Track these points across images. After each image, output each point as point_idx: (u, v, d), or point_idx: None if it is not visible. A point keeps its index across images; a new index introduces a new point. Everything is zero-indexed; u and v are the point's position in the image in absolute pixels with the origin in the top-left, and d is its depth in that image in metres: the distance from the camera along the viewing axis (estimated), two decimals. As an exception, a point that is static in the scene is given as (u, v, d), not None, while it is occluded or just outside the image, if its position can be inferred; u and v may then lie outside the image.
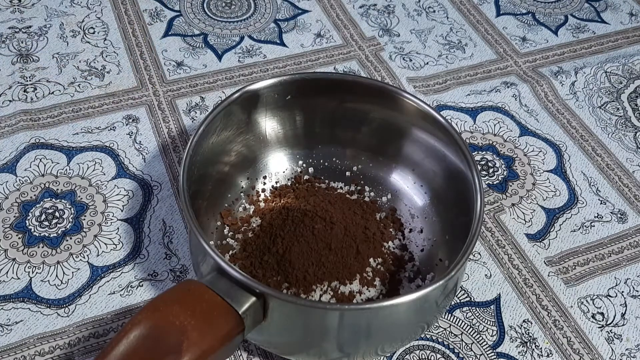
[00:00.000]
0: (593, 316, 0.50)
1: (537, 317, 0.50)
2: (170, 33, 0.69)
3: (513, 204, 0.57)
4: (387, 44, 0.71)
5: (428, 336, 0.48)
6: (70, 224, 0.53)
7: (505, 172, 0.60)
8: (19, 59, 0.65)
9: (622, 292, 0.52)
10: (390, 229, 0.51)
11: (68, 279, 0.49)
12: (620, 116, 0.65)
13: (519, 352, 0.48)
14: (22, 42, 0.67)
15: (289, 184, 0.54)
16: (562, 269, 0.53)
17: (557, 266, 0.53)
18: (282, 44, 0.70)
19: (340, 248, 0.47)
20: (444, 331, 0.49)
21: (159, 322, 0.36)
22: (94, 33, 0.68)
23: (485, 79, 0.68)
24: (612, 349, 0.49)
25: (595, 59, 0.71)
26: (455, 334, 0.49)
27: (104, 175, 0.56)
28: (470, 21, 0.74)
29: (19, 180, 0.55)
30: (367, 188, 0.54)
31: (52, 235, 0.52)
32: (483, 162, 0.60)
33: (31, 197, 0.54)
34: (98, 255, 0.51)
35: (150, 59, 0.66)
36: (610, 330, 0.50)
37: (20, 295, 0.48)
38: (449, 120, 0.53)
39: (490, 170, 0.60)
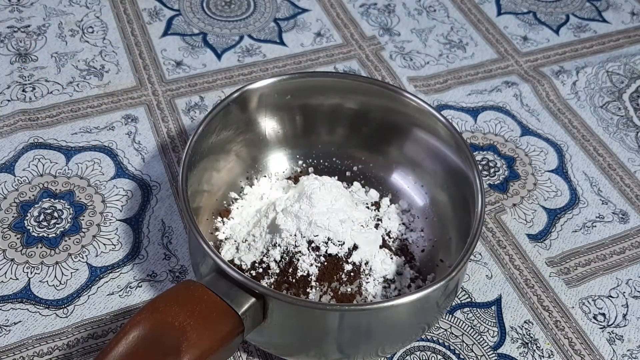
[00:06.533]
0: (594, 317, 0.50)
1: (539, 318, 0.50)
2: (169, 32, 0.69)
3: (514, 204, 0.57)
4: (387, 44, 0.70)
5: (429, 337, 0.48)
6: (69, 224, 0.52)
7: (506, 172, 0.59)
8: (17, 59, 0.65)
9: (624, 292, 0.52)
10: (391, 229, 0.51)
11: (67, 280, 0.49)
12: (622, 116, 0.65)
13: (520, 353, 0.48)
14: (20, 42, 0.66)
15: (289, 184, 0.54)
16: (564, 269, 0.53)
17: (559, 267, 0.53)
18: (282, 43, 0.69)
19: (341, 248, 0.47)
20: (445, 332, 0.48)
21: (158, 323, 0.36)
22: (92, 32, 0.68)
23: (486, 79, 0.68)
24: (614, 350, 0.48)
25: (597, 59, 0.70)
26: (456, 335, 0.48)
27: (103, 175, 0.56)
28: (471, 20, 0.74)
29: (18, 180, 0.55)
30: (367, 188, 0.54)
31: (50, 236, 0.52)
32: (484, 162, 0.60)
33: (30, 197, 0.54)
34: (97, 256, 0.51)
35: (150, 58, 0.66)
36: (612, 331, 0.49)
37: (19, 296, 0.48)
38: (450, 120, 0.53)
39: (491, 170, 0.59)
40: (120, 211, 0.54)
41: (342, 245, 0.45)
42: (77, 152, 0.57)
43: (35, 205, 0.53)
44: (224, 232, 0.49)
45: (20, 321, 0.47)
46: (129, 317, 0.47)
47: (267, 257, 0.46)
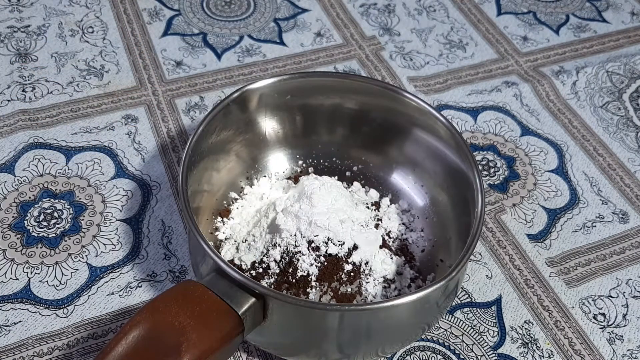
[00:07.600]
0: (594, 317, 0.50)
1: (539, 318, 0.50)
2: (169, 32, 0.69)
3: (514, 204, 0.57)
4: (387, 44, 0.70)
5: (429, 337, 0.48)
6: (69, 224, 0.52)
7: (506, 172, 0.59)
8: (17, 59, 0.65)
9: (624, 292, 0.52)
10: (391, 229, 0.51)
11: (67, 280, 0.49)
12: (622, 116, 0.65)
13: (520, 353, 0.48)
14: (20, 42, 0.66)
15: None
16: (564, 269, 0.53)
17: (559, 267, 0.53)
18: (282, 43, 0.69)
19: (341, 248, 0.47)
20: (445, 332, 0.48)
21: (158, 323, 0.36)
22: (92, 32, 0.68)
23: (486, 79, 0.68)
24: (614, 350, 0.48)
25: (597, 59, 0.70)
26: (456, 335, 0.48)
27: (103, 175, 0.56)
28: (471, 20, 0.74)
29: (18, 180, 0.55)
30: (367, 188, 0.54)
31: (50, 236, 0.52)
32: (484, 162, 0.60)
33: (30, 197, 0.54)
34: (97, 256, 0.51)
35: (150, 58, 0.66)
36: (612, 331, 0.49)
37: (19, 296, 0.48)
38: (450, 120, 0.53)
39: (491, 170, 0.59)
40: (120, 211, 0.54)
41: (342, 245, 0.45)
42: (77, 152, 0.57)
43: (35, 205, 0.53)
44: (224, 232, 0.49)
45: (20, 321, 0.47)
46: (129, 317, 0.47)
47: (267, 257, 0.46)
